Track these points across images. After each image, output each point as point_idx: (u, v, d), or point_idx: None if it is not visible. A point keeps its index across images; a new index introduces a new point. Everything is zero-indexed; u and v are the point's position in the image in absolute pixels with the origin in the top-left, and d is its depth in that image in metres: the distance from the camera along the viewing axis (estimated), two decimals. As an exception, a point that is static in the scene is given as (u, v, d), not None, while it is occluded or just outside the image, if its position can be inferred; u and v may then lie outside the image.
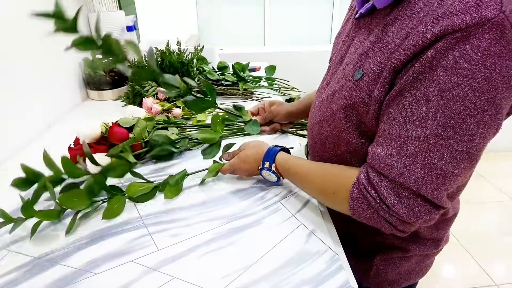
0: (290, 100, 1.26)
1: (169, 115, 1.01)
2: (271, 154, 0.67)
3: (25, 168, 0.61)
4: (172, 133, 0.86)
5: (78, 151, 0.78)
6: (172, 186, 0.68)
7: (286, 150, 0.71)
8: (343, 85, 0.57)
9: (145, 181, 0.69)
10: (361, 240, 0.68)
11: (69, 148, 0.78)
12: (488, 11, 0.39)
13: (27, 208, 0.58)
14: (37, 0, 1.01)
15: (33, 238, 0.58)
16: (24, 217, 0.59)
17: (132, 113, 0.91)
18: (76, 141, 0.83)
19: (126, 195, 0.66)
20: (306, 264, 0.52)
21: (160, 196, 0.69)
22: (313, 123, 0.67)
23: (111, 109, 1.20)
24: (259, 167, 0.68)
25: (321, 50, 2.47)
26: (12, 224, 0.58)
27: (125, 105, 1.22)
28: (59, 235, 0.59)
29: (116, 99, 1.29)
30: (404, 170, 0.46)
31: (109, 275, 0.51)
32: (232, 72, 1.37)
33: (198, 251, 0.55)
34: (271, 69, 1.40)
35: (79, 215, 0.63)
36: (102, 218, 0.62)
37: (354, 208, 0.52)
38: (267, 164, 0.66)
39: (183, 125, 0.94)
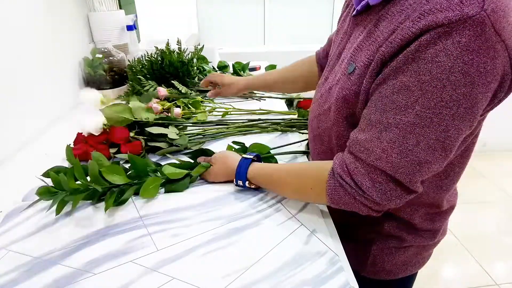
0: (290, 99, 1.25)
1: (169, 114, 1.01)
2: (242, 172, 0.67)
3: (53, 177, 0.64)
4: (172, 131, 0.86)
5: (79, 151, 0.78)
6: (203, 167, 0.72)
7: (257, 157, 0.71)
8: (338, 79, 0.59)
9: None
10: (358, 229, 0.69)
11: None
12: (470, 9, 0.41)
13: (68, 180, 0.62)
14: (37, 0, 1.01)
15: (33, 237, 0.58)
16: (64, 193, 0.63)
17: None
18: (76, 140, 0.83)
19: (161, 176, 0.69)
20: (306, 265, 0.52)
21: (159, 196, 0.69)
22: (312, 117, 0.69)
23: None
24: (234, 182, 0.69)
25: (322, 49, 2.46)
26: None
27: (125, 105, 1.22)
28: (59, 235, 0.59)
29: (116, 99, 1.29)
30: (382, 154, 0.49)
31: (108, 276, 0.51)
32: (232, 71, 1.37)
33: (198, 251, 0.55)
34: (271, 68, 1.40)
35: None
36: (140, 195, 0.65)
37: (333, 197, 0.55)
38: (240, 183, 0.68)
39: (183, 123, 0.94)
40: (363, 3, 0.55)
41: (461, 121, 0.46)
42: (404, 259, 0.69)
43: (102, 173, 0.63)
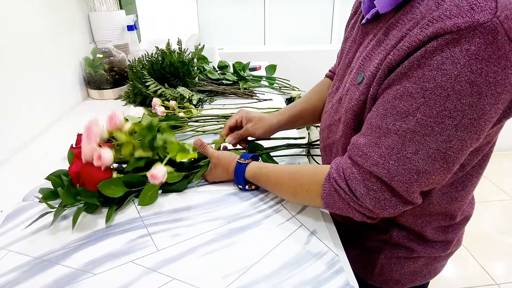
0: (290, 99, 1.25)
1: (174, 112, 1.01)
2: (240, 174, 0.68)
3: (53, 182, 0.63)
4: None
5: (79, 150, 0.78)
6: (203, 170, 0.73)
7: (254, 156, 0.71)
8: (348, 89, 0.58)
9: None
10: (367, 236, 0.68)
11: (71, 148, 0.78)
12: (481, 16, 0.39)
13: (68, 195, 0.61)
14: (37, 1, 1.01)
15: (33, 237, 0.58)
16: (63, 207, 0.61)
17: (136, 114, 0.91)
18: (78, 140, 0.83)
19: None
20: (306, 265, 0.52)
21: (160, 196, 0.69)
22: (323, 128, 0.68)
23: (111, 108, 1.19)
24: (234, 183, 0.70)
25: (322, 49, 2.46)
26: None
27: (126, 104, 1.22)
28: (58, 235, 0.59)
29: (117, 98, 1.29)
30: (379, 160, 0.48)
31: (108, 276, 0.51)
32: (232, 71, 1.37)
33: (198, 251, 0.55)
34: (271, 68, 1.40)
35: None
36: (138, 204, 0.64)
37: (327, 201, 0.55)
38: (240, 186, 0.70)
39: (186, 121, 0.94)
40: (372, 11, 0.54)
41: (465, 132, 0.44)
42: (413, 269, 0.67)
43: (100, 189, 0.61)
